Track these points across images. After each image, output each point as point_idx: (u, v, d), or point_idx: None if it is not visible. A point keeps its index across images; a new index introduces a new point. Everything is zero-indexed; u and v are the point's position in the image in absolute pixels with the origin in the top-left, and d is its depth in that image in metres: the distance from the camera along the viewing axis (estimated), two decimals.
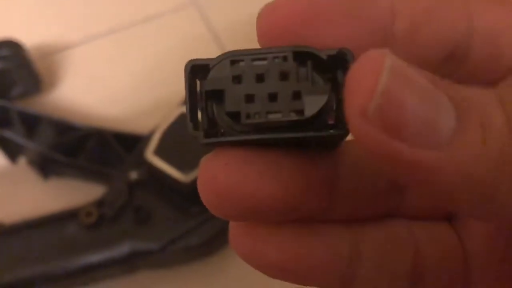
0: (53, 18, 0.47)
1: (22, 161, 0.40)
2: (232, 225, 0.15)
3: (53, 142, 0.39)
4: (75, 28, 0.47)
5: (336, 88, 0.13)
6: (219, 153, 0.14)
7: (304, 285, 0.16)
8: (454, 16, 0.14)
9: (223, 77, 0.13)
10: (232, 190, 0.13)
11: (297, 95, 0.13)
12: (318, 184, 0.15)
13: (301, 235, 0.15)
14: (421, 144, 0.11)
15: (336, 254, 0.15)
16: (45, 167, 0.39)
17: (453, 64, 0.14)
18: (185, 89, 0.13)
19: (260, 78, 0.13)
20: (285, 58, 0.13)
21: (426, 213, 0.17)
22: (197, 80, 0.13)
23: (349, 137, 0.14)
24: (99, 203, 0.36)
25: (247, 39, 0.16)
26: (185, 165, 0.34)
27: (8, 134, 0.39)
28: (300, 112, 0.13)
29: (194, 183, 0.33)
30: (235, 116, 0.13)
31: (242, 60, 0.13)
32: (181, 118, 0.36)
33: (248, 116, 0.13)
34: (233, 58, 0.13)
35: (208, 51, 0.21)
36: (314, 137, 0.13)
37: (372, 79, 0.11)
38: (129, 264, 0.35)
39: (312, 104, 0.13)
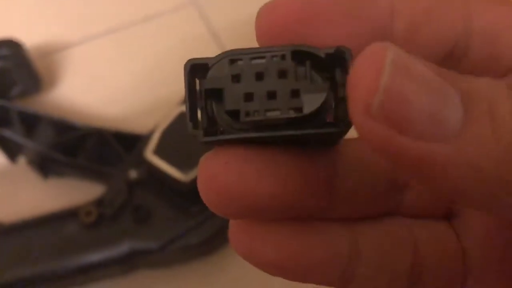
0: (53, 18, 0.47)
1: (22, 160, 0.40)
2: (232, 223, 0.15)
3: (52, 142, 0.39)
4: (75, 28, 0.47)
5: (335, 87, 0.13)
6: (218, 152, 0.14)
7: (303, 282, 0.16)
8: (453, 16, 0.14)
9: (222, 76, 0.13)
10: (232, 188, 0.13)
11: (295, 93, 0.13)
12: (317, 182, 0.15)
13: (300, 233, 0.15)
14: (427, 138, 0.11)
15: (335, 253, 0.15)
16: (45, 166, 0.39)
17: (452, 64, 0.14)
18: (185, 88, 0.13)
19: (259, 76, 0.13)
20: (283, 57, 0.13)
21: (425, 212, 0.17)
22: (196, 79, 0.13)
23: (348, 135, 0.14)
24: (99, 203, 0.36)
25: (247, 39, 0.16)
26: (185, 164, 0.34)
27: (7, 133, 0.39)
28: (299, 109, 0.13)
29: (193, 182, 0.33)
30: (234, 114, 0.13)
31: (241, 59, 0.13)
32: (180, 117, 0.36)
33: (247, 114, 0.13)
34: (232, 57, 0.13)
35: (208, 51, 0.21)
36: (313, 135, 0.13)
37: (374, 74, 0.10)
38: (128, 263, 0.35)
39: (310, 102, 0.13)
